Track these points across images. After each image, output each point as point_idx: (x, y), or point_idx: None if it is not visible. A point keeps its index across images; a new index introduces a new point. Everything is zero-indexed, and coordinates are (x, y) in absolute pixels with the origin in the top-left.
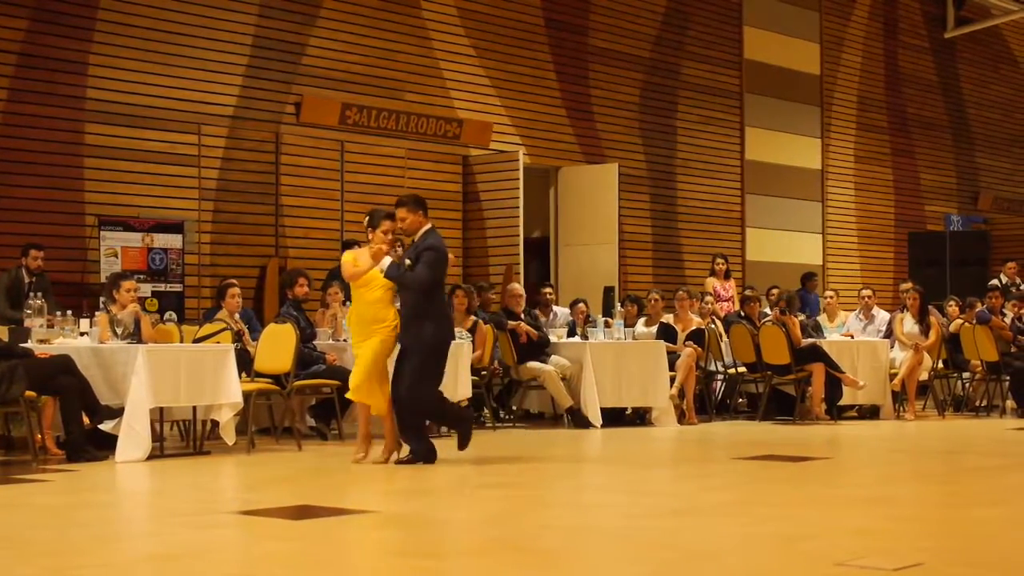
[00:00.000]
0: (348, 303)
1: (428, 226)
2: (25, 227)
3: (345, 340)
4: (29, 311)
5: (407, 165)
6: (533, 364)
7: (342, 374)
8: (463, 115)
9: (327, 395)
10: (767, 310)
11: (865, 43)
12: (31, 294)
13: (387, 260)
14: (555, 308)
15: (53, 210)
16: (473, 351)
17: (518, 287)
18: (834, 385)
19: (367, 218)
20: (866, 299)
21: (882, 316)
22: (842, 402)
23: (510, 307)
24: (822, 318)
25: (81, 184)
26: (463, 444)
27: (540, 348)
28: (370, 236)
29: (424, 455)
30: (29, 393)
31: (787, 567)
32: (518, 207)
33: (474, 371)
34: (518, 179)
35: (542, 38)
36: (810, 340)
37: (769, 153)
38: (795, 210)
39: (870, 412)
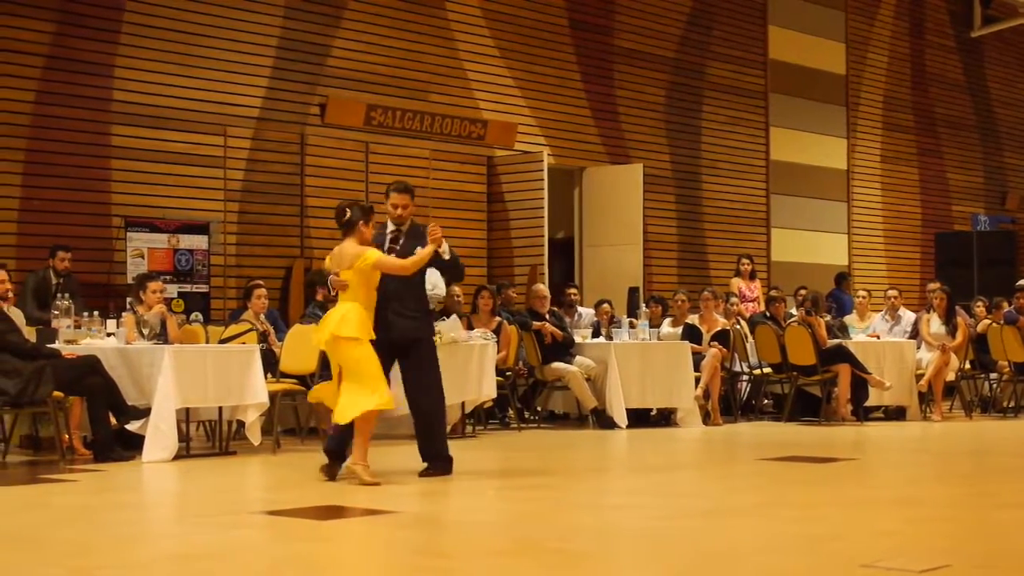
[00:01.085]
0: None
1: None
2: (52, 228)
3: None
4: (56, 312)
5: (432, 166)
6: (558, 365)
7: None
8: (487, 116)
9: None
10: (793, 311)
11: (891, 43)
12: (58, 295)
13: (446, 243)
14: (580, 309)
15: (80, 211)
16: (498, 352)
17: (543, 288)
18: (860, 386)
19: (349, 212)
20: (892, 300)
21: (908, 317)
22: (868, 403)
23: (535, 308)
24: (852, 318)
25: (107, 186)
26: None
27: (565, 349)
28: (362, 229)
29: (450, 464)
30: (56, 393)
31: (813, 568)
32: (543, 208)
33: (499, 372)
34: (542, 180)
35: (566, 38)
36: (836, 341)
37: (794, 153)
38: (821, 210)
39: (896, 413)
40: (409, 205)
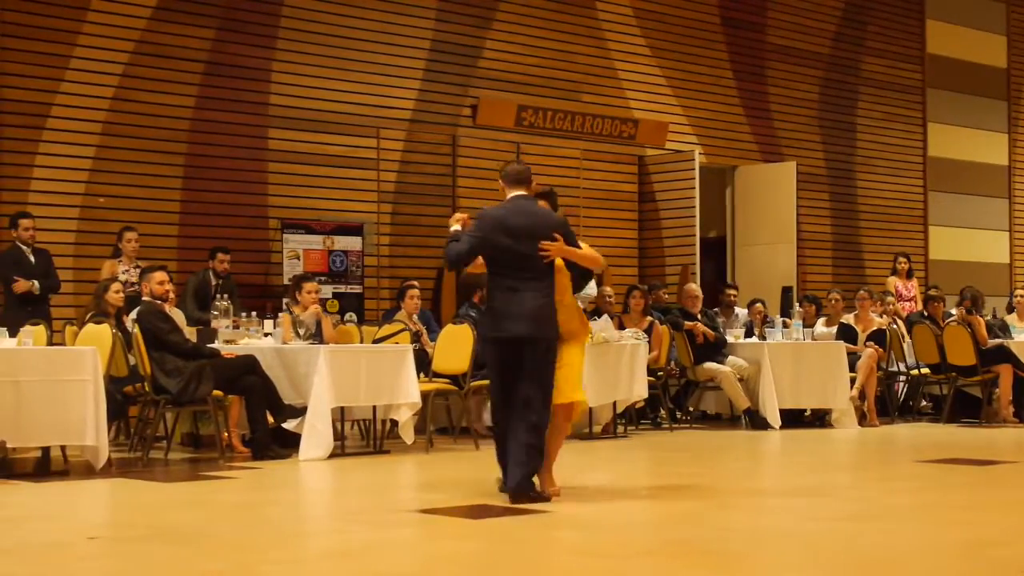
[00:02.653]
0: None
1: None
2: (211, 231)
3: None
4: (216, 312)
5: (583, 166)
6: (710, 365)
7: None
8: (639, 115)
9: None
10: (952, 310)
11: None
12: (218, 296)
13: (455, 226)
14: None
15: (238, 213)
16: (649, 351)
17: (695, 287)
18: (1023, 387)
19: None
20: None
21: None
22: None
23: (686, 307)
24: (1011, 318)
25: (264, 188)
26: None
27: (717, 349)
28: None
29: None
30: (216, 392)
31: (973, 574)
32: (694, 207)
33: (650, 372)
34: (694, 179)
35: (719, 36)
36: (997, 340)
37: (953, 149)
38: (980, 207)
39: None
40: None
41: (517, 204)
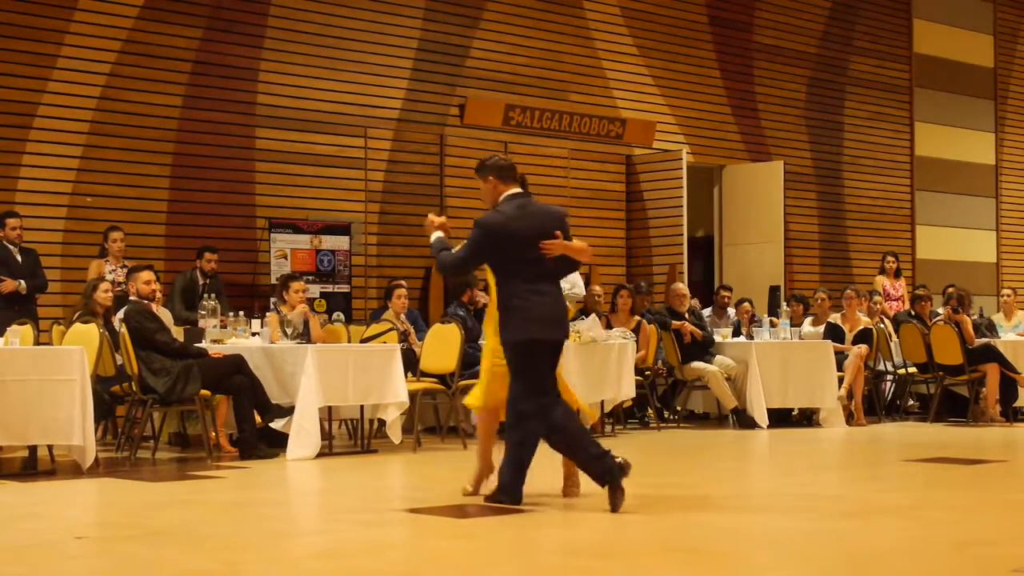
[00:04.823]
0: None
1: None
2: (199, 230)
3: None
4: (203, 312)
5: (570, 165)
6: (697, 364)
7: None
8: (626, 115)
9: None
10: (939, 309)
11: None
12: (205, 295)
13: (436, 234)
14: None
15: (226, 213)
16: (637, 351)
17: (682, 287)
18: (1009, 386)
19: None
20: None
21: None
22: (1018, 403)
23: (674, 307)
24: (998, 317)
25: (252, 188)
26: (612, 503)
27: (705, 348)
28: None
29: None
30: (203, 392)
31: (963, 573)
32: (682, 206)
33: (638, 371)
34: (681, 178)
35: (706, 36)
36: (984, 340)
37: (940, 149)
38: (967, 207)
39: None
40: (481, 187)
41: (518, 206)
